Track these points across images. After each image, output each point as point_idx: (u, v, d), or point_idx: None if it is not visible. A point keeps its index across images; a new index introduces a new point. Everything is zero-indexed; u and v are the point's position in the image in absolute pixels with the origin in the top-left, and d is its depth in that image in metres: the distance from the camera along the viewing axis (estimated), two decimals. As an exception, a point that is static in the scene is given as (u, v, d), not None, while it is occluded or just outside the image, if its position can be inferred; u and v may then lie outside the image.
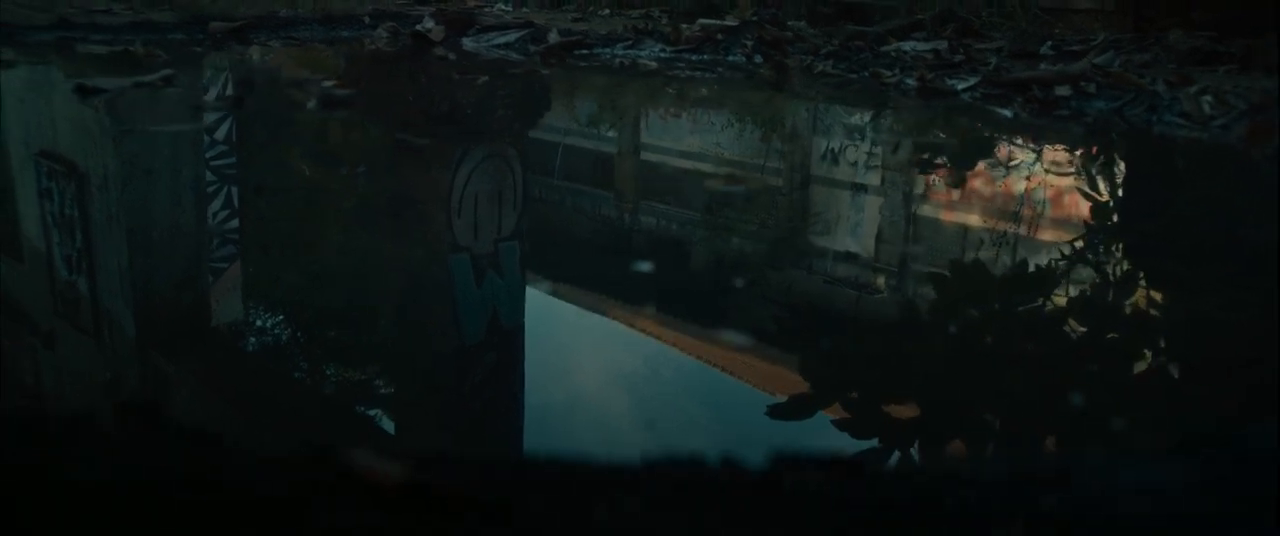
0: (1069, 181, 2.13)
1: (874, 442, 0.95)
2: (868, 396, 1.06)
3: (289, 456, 0.65)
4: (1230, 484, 0.65)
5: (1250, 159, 2.31)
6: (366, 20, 4.44)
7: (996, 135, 2.61)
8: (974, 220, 1.83)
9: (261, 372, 1.19)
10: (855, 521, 0.62)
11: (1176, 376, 1.15)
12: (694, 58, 3.73)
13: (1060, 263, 1.54)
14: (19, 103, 2.60)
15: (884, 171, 2.27)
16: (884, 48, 3.60)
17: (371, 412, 1.06)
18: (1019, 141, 2.51)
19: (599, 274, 1.53)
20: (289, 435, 0.96)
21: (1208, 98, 2.54)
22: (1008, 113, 2.75)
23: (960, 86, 3.00)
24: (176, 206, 1.78)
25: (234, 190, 1.90)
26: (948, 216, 1.88)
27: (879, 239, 1.76)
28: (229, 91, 2.77)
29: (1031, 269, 1.51)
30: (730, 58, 3.72)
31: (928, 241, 1.73)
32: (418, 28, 4.10)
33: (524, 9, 5.11)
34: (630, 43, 3.92)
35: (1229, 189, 2.12)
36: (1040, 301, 1.38)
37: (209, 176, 1.94)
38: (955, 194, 2.02)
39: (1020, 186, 2.04)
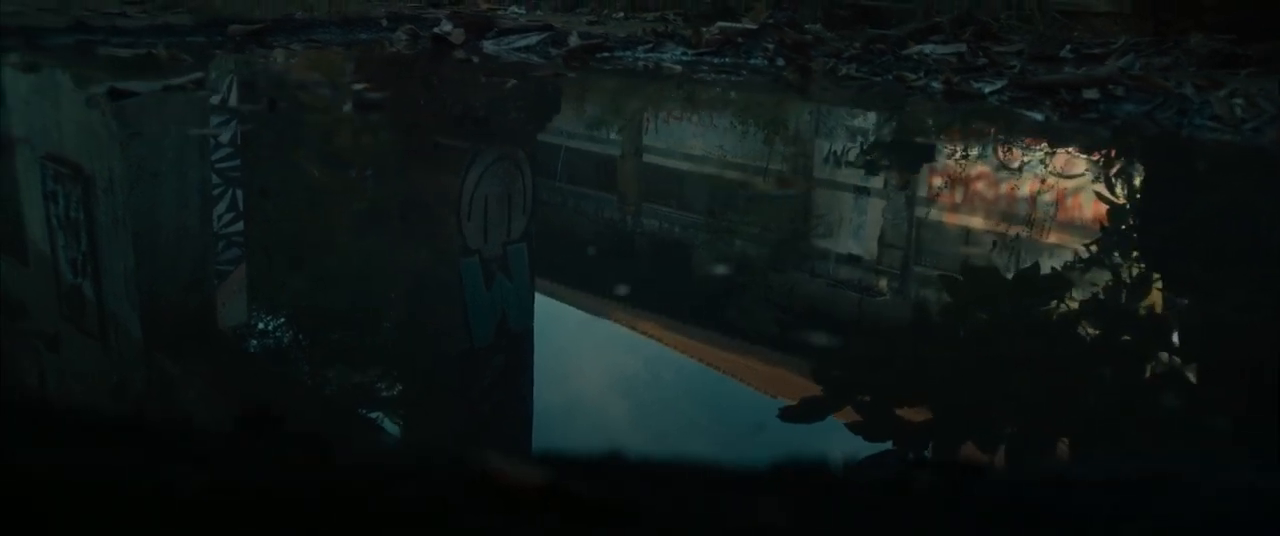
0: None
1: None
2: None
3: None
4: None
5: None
6: (383, 22, 4.44)
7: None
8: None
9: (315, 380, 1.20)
10: (985, 522, 0.62)
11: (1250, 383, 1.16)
12: (716, 61, 3.73)
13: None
14: (54, 107, 2.61)
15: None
16: (905, 51, 3.60)
17: (427, 415, 1.07)
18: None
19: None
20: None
21: (1238, 101, 2.54)
22: (1038, 116, 2.75)
23: (987, 89, 3.00)
24: (197, 208, 1.79)
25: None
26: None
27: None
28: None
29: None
30: (752, 61, 3.71)
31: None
32: (437, 31, 4.10)
33: (537, 12, 5.12)
34: (651, 46, 3.92)
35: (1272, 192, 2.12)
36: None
37: (236, 180, 1.95)
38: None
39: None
